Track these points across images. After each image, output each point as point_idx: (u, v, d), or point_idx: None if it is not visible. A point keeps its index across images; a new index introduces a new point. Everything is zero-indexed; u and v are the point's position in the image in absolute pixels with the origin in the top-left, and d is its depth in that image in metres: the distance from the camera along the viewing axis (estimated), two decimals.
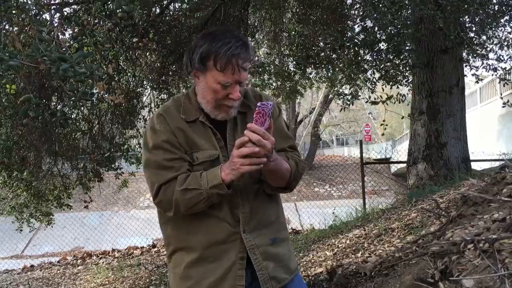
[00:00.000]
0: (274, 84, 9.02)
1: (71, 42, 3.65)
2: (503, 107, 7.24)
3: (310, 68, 7.88)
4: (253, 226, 1.71)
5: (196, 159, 1.69)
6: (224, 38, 1.57)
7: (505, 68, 6.95)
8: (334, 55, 6.92)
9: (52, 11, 3.74)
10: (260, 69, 8.19)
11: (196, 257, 1.71)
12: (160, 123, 1.71)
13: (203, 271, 1.70)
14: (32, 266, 8.90)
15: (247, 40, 1.65)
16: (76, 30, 3.49)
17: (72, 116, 5.77)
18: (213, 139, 1.71)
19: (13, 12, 3.32)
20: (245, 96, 1.75)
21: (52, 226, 7.54)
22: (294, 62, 7.97)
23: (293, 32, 7.63)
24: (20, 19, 3.72)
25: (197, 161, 1.69)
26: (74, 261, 8.71)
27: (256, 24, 7.96)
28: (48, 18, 3.89)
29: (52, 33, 3.11)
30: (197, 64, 1.60)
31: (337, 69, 7.44)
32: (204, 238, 1.70)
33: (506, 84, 7.38)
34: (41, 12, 3.79)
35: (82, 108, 5.67)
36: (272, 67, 8.56)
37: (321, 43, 7.01)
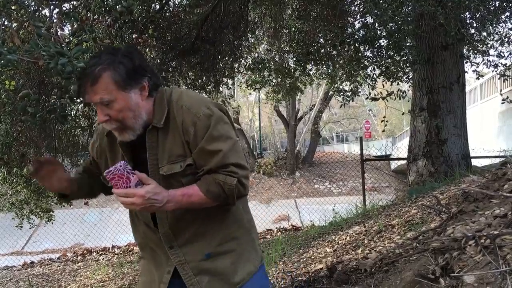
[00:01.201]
0: (274, 80, 9.02)
1: (71, 38, 3.63)
2: (502, 103, 7.24)
3: (310, 65, 7.87)
4: (183, 242, 1.69)
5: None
6: (92, 58, 1.59)
7: (505, 64, 6.94)
8: (334, 52, 6.90)
9: (51, 7, 3.72)
10: (260, 66, 8.17)
11: (140, 253, 1.88)
12: (96, 131, 1.85)
13: (144, 267, 1.86)
14: (32, 262, 8.91)
15: (120, 58, 1.56)
16: (75, 25, 3.47)
17: (72, 113, 5.76)
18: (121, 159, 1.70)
19: (12, 7, 3.30)
20: (168, 110, 1.66)
21: (52, 223, 7.54)
22: (294, 59, 7.96)
23: (293, 29, 7.61)
24: (19, 15, 3.70)
25: None
26: (74, 257, 8.72)
27: (256, 20, 7.95)
28: (47, 13, 3.87)
29: (52, 29, 3.09)
30: None
31: (337, 65, 7.43)
32: (142, 240, 1.81)
33: (506, 80, 7.38)
34: (40, 8, 3.76)
35: (81, 104, 5.65)
36: (272, 63, 8.54)
37: (321, 40, 6.99)
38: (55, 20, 3.52)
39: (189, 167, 1.63)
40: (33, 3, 3.45)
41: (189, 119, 1.62)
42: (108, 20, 3.97)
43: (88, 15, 3.89)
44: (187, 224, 1.68)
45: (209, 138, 1.61)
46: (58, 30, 2.73)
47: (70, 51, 1.51)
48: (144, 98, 1.61)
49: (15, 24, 3.46)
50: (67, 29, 3.97)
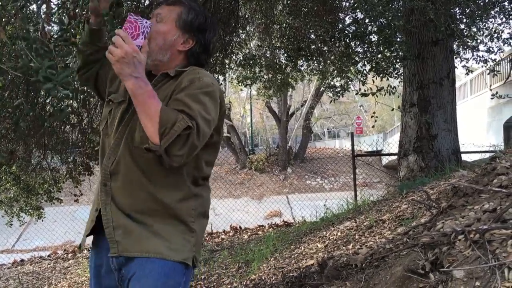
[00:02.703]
0: (265, 76, 8.99)
1: (58, 33, 3.59)
2: (492, 98, 7.30)
3: (301, 61, 7.86)
4: (116, 185, 1.63)
5: (108, 95, 1.79)
6: None
7: (495, 59, 6.98)
8: (325, 47, 6.90)
9: (39, 2, 3.67)
10: (251, 62, 8.15)
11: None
12: None
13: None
14: (22, 260, 8.84)
15: (194, 7, 1.73)
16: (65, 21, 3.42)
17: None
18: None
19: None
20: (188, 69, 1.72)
21: (42, 220, 7.49)
22: (285, 55, 7.94)
23: (284, 24, 7.59)
24: (6, 10, 3.65)
25: (107, 99, 1.79)
26: (65, 255, 8.66)
27: (247, 16, 7.91)
28: (35, 9, 3.82)
29: (39, 25, 3.05)
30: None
31: (328, 61, 7.43)
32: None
33: (495, 76, 7.43)
34: (28, 4, 3.71)
35: (71, 101, 5.60)
36: (263, 59, 8.52)
37: (312, 35, 6.99)
38: (42, 16, 3.48)
39: None
40: None
41: (192, 75, 1.62)
42: None
43: (77, 10, 3.84)
44: (131, 174, 1.61)
45: (193, 95, 1.55)
46: (45, 25, 2.70)
47: (57, 75, 1.45)
48: (181, 50, 1.70)
49: (4, 19, 3.41)
50: (56, 27, 3.92)
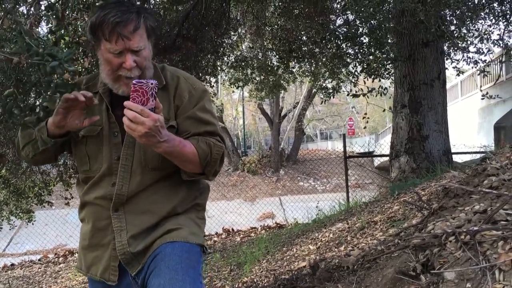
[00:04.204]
0: (257, 78, 8.99)
1: (49, 36, 3.56)
2: (482, 99, 7.33)
3: (293, 62, 7.87)
4: (130, 209, 1.63)
5: (80, 135, 1.66)
6: (113, 7, 1.52)
7: (485, 60, 7.02)
8: (316, 49, 6.91)
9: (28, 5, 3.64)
10: (243, 63, 8.14)
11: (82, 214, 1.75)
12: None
13: (88, 232, 1.71)
14: (12, 264, 8.76)
15: (144, 9, 1.58)
16: (52, 22, 3.40)
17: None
18: (103, 113, 1.64)
19: None
20: (162, 72, 1.71)
21: (32, 223, 7.43)
22: (277, 56, 7.94)
23: (275, 26, 7.59)
24: None
25: (80, 137, 1.66)
26: (56, 259, 8.60)
27: (238, 18, 7.91)
28: (24, 11, 3.79)
29: (26, 26, 3.02)
30: (88, 35, 1.56)
31: (320, 63, 7.44)
32: (91, 199, 1.69)
33: (485, 77, 7.47)
34: (17, 5, 3.68)
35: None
36: (255, 61, 8.52)
37: (304, 37, 6.99)
38: (31, 17, 3.44)
39: (170, 129, 1.59)
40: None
41: (185, 86, 1.68)
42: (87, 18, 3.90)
43: (67, 12, 3.81)
44: (146, 195, 1.64)
45: (202, 108, 1.68)
46: (33, 27, 2.67)
47: (60, 53, 1.47)
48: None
49: None
50: (45, 28, 3.89)
